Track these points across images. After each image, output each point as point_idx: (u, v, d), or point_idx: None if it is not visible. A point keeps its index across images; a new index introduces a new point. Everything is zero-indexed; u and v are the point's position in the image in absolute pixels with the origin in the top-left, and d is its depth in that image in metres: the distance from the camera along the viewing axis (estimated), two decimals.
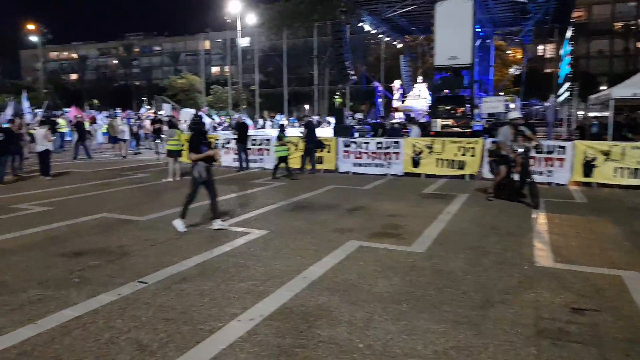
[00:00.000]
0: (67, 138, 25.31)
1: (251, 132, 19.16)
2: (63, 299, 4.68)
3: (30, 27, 77.55)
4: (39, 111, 27.19)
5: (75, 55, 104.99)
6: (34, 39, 78.41)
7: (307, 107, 54.47)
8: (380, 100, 28.25)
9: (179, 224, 7.41)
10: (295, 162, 14.57)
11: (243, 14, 45.43)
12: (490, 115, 21.53)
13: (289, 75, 46.32)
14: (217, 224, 7.57)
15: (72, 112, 26.80)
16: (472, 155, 13.19)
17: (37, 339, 3.86)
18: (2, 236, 7.05)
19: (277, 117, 40.90)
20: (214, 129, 26.07)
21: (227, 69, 69.72)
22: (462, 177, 13.21)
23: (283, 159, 13.59)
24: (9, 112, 22.34)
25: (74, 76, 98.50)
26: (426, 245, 6.68)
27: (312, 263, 5.87)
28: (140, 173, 14.89)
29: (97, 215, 8.58)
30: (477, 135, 15.57)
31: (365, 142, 14.60)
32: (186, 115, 31.68)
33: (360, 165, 14.39)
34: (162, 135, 17.26)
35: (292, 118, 41.73)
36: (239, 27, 44.77)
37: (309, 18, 44.25)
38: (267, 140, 16.08)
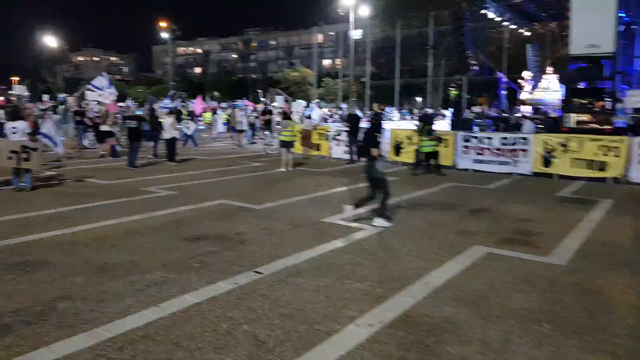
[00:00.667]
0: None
1: (362, 124, 18.90)
2: (184, 283, 4.78)
3: (162, 24, 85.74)
4: (167, 101, 29.64)
5: (199, 50, 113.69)
6: (164, 35, 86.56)
7: (419, 99, 52.91)
8: (504, 92, 26.26)
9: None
10: (409, 157, 14.01)
11: (356, 6, 45.29)
12: (637, 110, 18.85)
13: (401, 67, 45.31)
14: (379, 221, 7.27)
15: (197, 103, 28.80)
16: (616, 156, 11.55)
17: (160, 322, 3.94)
18: (133, 217, 7.58)
19: (387, 109, 40.22)
20: (325, 120, 26.30)
21: (338, 61, 70.41)
22: (602, 179, 11.64)
23: (432, 155, 12.75)
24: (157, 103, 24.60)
25: (198, 70, 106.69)
26: (567, 257, 5.84)
27: (433, 268, 5.41)
28: (255, 162, 15.41)
29: (217, 201, 8.91)
30: (619, 133, 13.65)
31: (488, 137, 13.53)
32: (298, 107, 32.49)
33: (481, 162, 13.38)
34: (277, 127, 17.75)
35: (403, 110, 40.75)
36: (351, 20, 44.75)
37: (424, 8, 42.78)
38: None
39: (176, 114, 16.84)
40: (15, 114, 9.77)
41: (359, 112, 21.45)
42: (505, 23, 26.37)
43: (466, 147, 13.57)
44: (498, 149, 13.13)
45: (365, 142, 7.44)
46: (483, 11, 23.04)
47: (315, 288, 4.75)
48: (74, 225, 6.98)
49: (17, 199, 8.86)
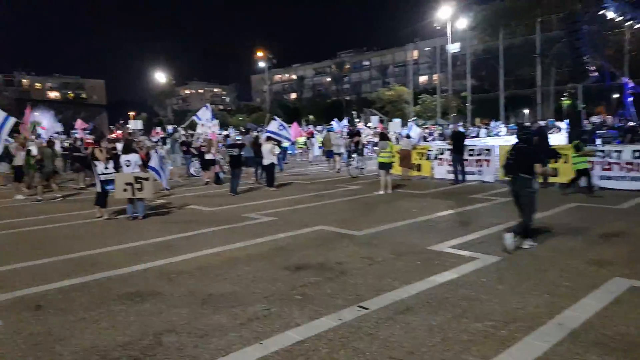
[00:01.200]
0: (289, 151, 28.03)
1: (466, 141, 18.00)
2: (286, 318, 4.62)
3: (259, 54, 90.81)
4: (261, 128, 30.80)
5: (294, 76, 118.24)
6: (261, 64, 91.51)
7: (526, 111, 49.74)
8: (630, 99, 23.63)
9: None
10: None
11: (453, 19, 44.13)
12: None
13: (505, 78, 43.06)
14: (527, 243, 6.86)
15: (293, 129, 29.60)
16: None
17: None
18: (235, 244, 7.71)
19: (492, 124, 38.23)
20: (424, 139, 25.55)
21: (435, 77, 68.90)
22: None
23: (584, 172, 11.56)
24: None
25: (293, 95, 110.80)
26: None
27: (567, 305, 4.72)
28: (353, 185, 15.25)
29: (316, 227, 8.81)
30: None
31: (617, 151, 12.08)
32: (394, 126, 32.04)
33: (609, 178, 11.96)
34: (375, 148, 17.55)
35: (510, 124, 38.45)
36: (449, 33, 43.64)
37: (530, 14, 40.45)
38: (487, 150, 14.76)
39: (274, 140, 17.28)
40: (128, 147, 10.59)
41: (461, 129, 20.53)
42: (628, 22, 23.91)
43: (590, 162, 12.22)
44: (629, 163, 11.65)
45: (527, 157, 6.85)
46: (602, 12, 21.10)
47: (428, 327, 4.33)
48: (180, 253, 7.25)
49: (130, 228, 9.50)
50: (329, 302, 5.02)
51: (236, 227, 9.22)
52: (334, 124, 30.97)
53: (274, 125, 17.01)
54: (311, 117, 70.44)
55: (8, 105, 60.15)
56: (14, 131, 16.49)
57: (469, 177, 14.66)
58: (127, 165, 10.28)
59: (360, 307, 4.84)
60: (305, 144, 30.06)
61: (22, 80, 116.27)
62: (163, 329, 4.45)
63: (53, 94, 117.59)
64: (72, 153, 17.36)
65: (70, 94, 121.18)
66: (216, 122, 18.68)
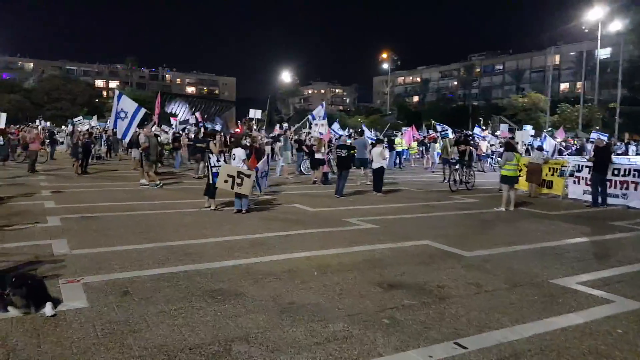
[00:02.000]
0: (404, 157, 27.27)
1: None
2: (368, 344, 4.13)
3: (384, 56, 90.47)
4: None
5: (418, 79, 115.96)
6: (385, 66, 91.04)
7: None
8: None
9: None
10: None
11: (605, 22, 39.64)
12: None
13: None
14: None
15: (409, 132, 28.78)
16: None
17: None
18: (329, 250, 7.38)
19: None
20: (559, 152, 23.10)
21: (579, 84, 62.69)
22: None
23: None
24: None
25: (415, 98, 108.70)
26: None
27: None
28: (469, 198, 14.14)
29: (420, 241, 8.15)
30: None
31: None
32: (524, 136, 29.53)
33: None
34: (499, 159, 16.11)
35: None
36: (599, 37, 39.27)
37: None
38: (638, 171, 12.72)
39: (385, 142, 16.76)
40: (236, 141, 10.85)
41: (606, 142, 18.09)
42: None
43: None
44: None
45: None
46: None
47: None
48: (272, 253, 7.11)
49: (232, 221, 9.66)
50: (420, 332, 4.42)
51: (334, 231, 8.90)
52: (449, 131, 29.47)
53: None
54: (432, 121, 68.37)
55: (151, 96, 67.29)
56: (144, 120, 18.06)
57: (610, 201, 12.76)
58: (233, 159, 10.53)
59: (457, 344, 4.18)
60: (426, 148, 28.86)
61: (165, 75, 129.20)
62: (235, 336, 4.23)
63: (190, 89, 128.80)
64: (195, 144, 18.53)
65: (205, 89, 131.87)
66: (324, 121, 18.67)
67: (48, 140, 26.05)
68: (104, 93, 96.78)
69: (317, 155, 16.96)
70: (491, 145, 26.84)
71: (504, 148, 13.23)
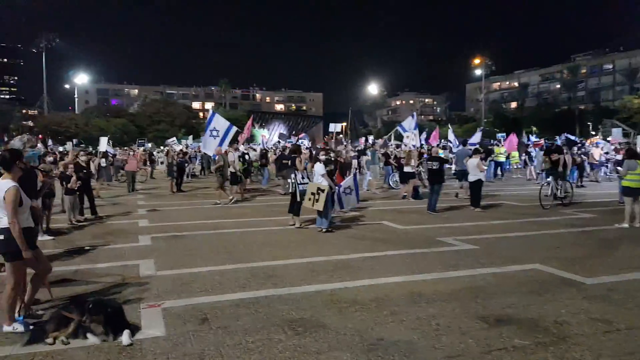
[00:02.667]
0: (506, 167, 25.55)
1: None
2: None
3: (477, 61, 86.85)
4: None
5: (516, 84, 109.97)
6: (478, 72, 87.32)
7: None
8: None
9: None
10: None
11: None
12: None
13: None
14: None
15: (510, 140, 26.96)
16: None
17: None
18: (423, 275, 6.73)
19: None
20: None
21: None
22: None
23: None
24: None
25: (513, 104, 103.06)
26: None
27: None
28: (584, 212, 12.64)
29: (529, 265, 7.21)
30: None
31: None
32: None
33: None
34: (619, 168, 14.28)
35: None
36: None
37: None
38: None
39: (484, 153, 15.62)
40: (315, 157, 10.50)
41: None
42: None
43: None
44: None
45: None
46: None
47: None
48: (358, 277, 6.61)
49: (317, 240, 9.31)
50: None
51: (427, 252, 8.19)
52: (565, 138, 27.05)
53: (478, 136, 15.46)
54: (534, 128, 64.20)
55: (242, 115, 70.24)
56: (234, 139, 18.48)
57: None
58: (313, 175, 10.26)
59: None
60: (529, 157, 26.83)
61: (256, 94, 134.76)
62: None
63: (279, 107, 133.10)
64: (281, 160, 18.65)
65: (293, 106, 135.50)
66: (416, 131, 17.84)
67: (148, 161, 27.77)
68: (200, 114, 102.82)
69: (407, 169, 16.23)
70: (605, 152, 24.27)
71: (626, 155, 11.63)
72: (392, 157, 19.85)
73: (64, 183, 11.18)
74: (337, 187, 10.23)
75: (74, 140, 39.12)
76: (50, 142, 37.99)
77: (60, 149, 32.07)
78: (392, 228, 10.70)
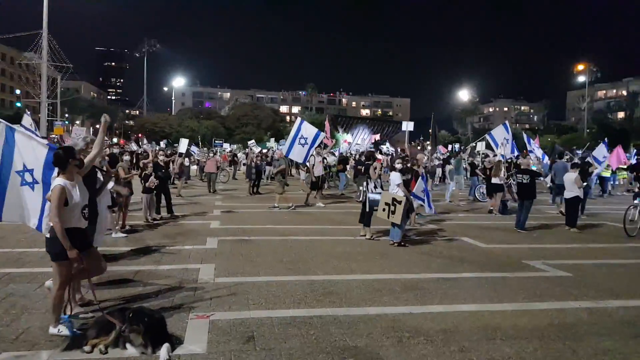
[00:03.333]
0: (612, 182, 23.15)
1: None
2: None
3: (580, 67, 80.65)
4: (579, 152, 26.34)
5: (624, 92, 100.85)
6: (581, 79, 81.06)
7: None
8: None
9: None
10: None
11: None
12: None
13: None
14: None
15: (615, 154, 24.38)
16: None
17: None
18: (502, 305, 5.94)
19: None
20: None
21: None
22: None
23: None
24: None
25: (620, 114, 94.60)
26: None
27: None
28: None
29: (632, 302, 6.14)
30: None
31: None
32: None
33: None
34: None
35: None
36: None
37: None
38: None
39: (582, 167, 14.07)
40: (391, 166, 9.86)
41: None
42: None
43: None
44: None
45: None
46: None
47: None
48: (426, 302, 5.96)
49: (387, 254, 8.70)
50: None
51: (510, 277, 7.30)
52: None
53: (601, 150, 14.04)
54: None
55: (324, 120, 70.82)
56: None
57: None
58: (389, 185, 9.66)
59: None
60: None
61: (342, 99, 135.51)
62: None
63: (365, 112, 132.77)
64: (357, 166, 18.21)
65: (379, 111, 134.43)
66: (509, 137, 16.49)
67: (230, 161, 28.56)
68: (287, 118, 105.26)
69: (495, 180, 15.07)
70: None
71: None
72: (480, 167, 18.65)
73: (143, 182, 11.53)
74: (411, 195, 9.55)
75: (164, 141, 41.34)
76: (145, 142, 40.40)
77: (148, 147, 33.92)
78: (473, 246, 9.82)
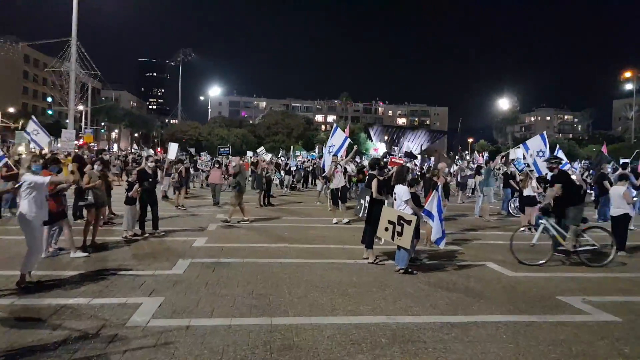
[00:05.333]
0: None
1: None
2: None
3: (627, 74, 75.91)
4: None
5: None
6: (628, 87, 76.24)
7: None
8: None
9: None
10: None
11: None
12: None
13: None
14: None
15: None
16: None
17: None
18: None
19: None
20: None
21: None
22: None
23: None
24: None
25: None
26: None
27: None
28: None
29: None
30: None
31: None
32: None
33: None
34: None
35: None
36: None
37: None
38: None
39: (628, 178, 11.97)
40: (399, 175, 8.18)
41: None
42: None
43: None
44: None
45: None
46: None
47: None
48: (421, 355, 4.33)
49: (386, 286, 7.02)
50: None
51: (539, 323, 5.54)
52: None
53: None
54: None
55: (359, 127, 69.13)
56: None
57: None
58: (395, 199, 8.01)
59: None
60: None
61: (378, 108, 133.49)
62: None
63: (401, 120, 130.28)
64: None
65: (416, 120, 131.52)
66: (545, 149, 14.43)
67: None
68: (323, 127, 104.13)
69: (526, 192, 13.14)
70: None
71: None
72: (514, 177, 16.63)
73: (126, 191, 10.31)
74: (418, 215, 7.82)
75: (192, 149, 40.66)
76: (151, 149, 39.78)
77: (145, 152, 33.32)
78: (497, 274, 8.06)
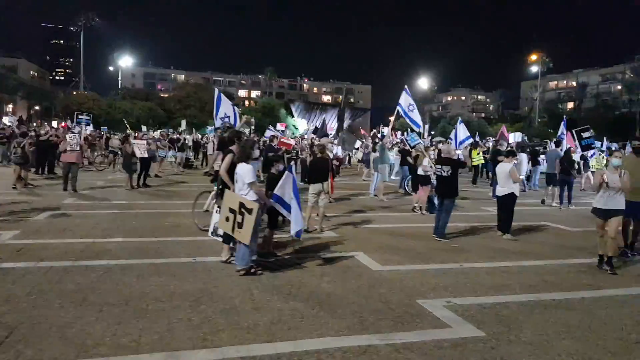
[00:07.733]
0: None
1: None
2: None
3: (533, 57, 79.31)
4: None
5: (574, 83, 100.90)
6: (534, 69, 79.77)
7: None
8: None
9: None
10: None
11: None
12: None
13: None
14: None
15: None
16: None
17: None
18: None
19: None
20: None
21: None
22: None
23: None
24: None
25: (570, 105, 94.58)
26: None
27: None
28: None
29: None
30: None
31: None
32: None
33: None
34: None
35: None
36: None
37: None
38: None
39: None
40: (243, 152, 6.24)
41: None
42: None
43: None
44: None
45: None
46: None
47: None
48: None
49: (212, 293, 5.38)
50: None
51: (382, 347, 4.10)
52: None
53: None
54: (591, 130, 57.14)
55: (279, 103, 66.84)
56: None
57: None
58: (236, 181, 6.31)
59: None
60: (585, 163, 21.55)
61: (303, 84, 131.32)
62: None
63: (326, 97, 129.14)
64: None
65: (340, 97, 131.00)
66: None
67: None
68: (246, 103, 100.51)
69: (419, 171, 12.02)
70: None
71: None
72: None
73: None
74: (260, 202, 6.13)
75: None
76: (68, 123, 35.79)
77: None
78: (361, 269, 6.66)
